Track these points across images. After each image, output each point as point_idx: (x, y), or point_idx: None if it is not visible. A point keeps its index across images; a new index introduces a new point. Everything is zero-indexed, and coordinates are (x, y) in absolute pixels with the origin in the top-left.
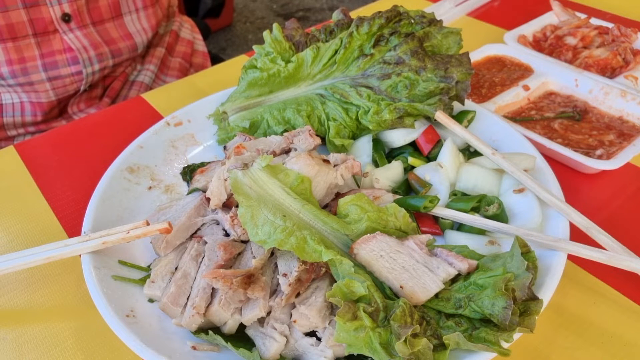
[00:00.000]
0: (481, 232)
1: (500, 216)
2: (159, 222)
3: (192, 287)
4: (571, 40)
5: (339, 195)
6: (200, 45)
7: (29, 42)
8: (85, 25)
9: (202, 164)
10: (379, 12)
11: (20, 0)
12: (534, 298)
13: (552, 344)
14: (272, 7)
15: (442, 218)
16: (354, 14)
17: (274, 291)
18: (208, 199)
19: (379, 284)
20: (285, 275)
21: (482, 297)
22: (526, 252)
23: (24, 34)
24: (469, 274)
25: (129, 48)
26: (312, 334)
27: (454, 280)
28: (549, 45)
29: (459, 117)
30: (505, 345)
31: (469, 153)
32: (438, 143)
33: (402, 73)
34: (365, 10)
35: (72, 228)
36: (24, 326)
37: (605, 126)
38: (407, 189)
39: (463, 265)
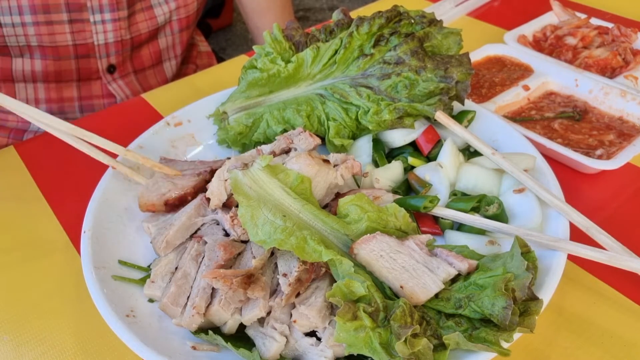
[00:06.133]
0: (481, 232)
1: (500, 216)
2: None
3: (192, 287)
4: (571, 40)
5: (339, 195)
6: (203, 46)
7: (71, 84)
8: (128, 73)
9: None
10: (379, 12)
11: (73, 52)
12: (534, 298)
13: (552, 344)
14: None
15: (442, 218)
16: (354, 14)
17: (274, 291)
18: (208, 199)
19: (379, 284)
20: (285, 275)
21: (482, 297)
22: (526, 252)
23: (69, 79)
24: (469, 274)
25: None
26: (312, 334)
27: (454, 280)
28: (549, 45)
29: (459, 117)
30: (505, 345)
31: (469, 153)
32: (438, 143)
33: (402, 73)
34: (365, 10)
35: (72, 228)
36: (23, 326)
37: (605, 126)
38: (407, 189)
39: (463, 265)
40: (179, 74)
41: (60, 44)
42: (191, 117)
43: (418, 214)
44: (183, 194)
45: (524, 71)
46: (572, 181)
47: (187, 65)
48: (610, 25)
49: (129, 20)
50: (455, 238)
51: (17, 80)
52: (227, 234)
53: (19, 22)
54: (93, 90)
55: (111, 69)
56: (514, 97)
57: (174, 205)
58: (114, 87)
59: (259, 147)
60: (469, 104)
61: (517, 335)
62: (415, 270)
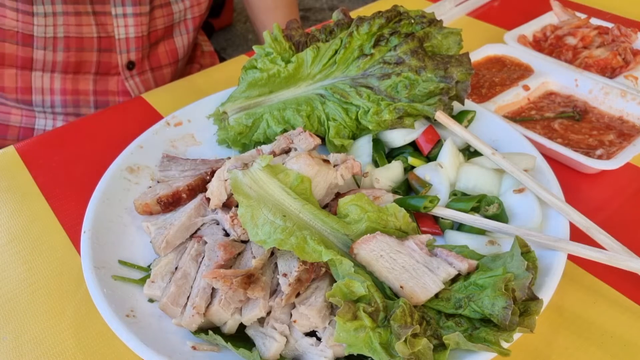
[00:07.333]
0: (481, 232)
1: (500, 216)
2: None
3: (192, 287)
4: (571, 40)
5: (339, 195)
6: (206, 46)
7: (88, 77)
8: (144, 71)
9: None
10: (379, 12)
11: (97, 45)
12: (534, 298)
13: (552, 344)
14: None
15: (442, 218)
16: (354, 14)
17: (274, 291)
18: (208, 199)
19: (379, 284)
20: (285, 275)
21: (482, 297)
22: (526, 252)
23: (87, 71)
24: (469, 274)
25: None
26: (312, 334)
27: (454, 280)
28: (549, 45)
29: (459, 117)
30: (505, 345)
31: (469, 153)
32: (438, 143)
33: (402, 73)
34: (365, 10)
35: (72, 228)
36: (24, 326)
37: (605, 126)
38: (407, 189)
39: (463, 265)
40: (183, 74)
41: (86, 35)
42: (191, 117)
43: (418, 214)
44: (176, 190)
45: (524, 71)
46: (572, 181)
47: (191, 65)
48: (610, 25)
49: (149, 15)
50: (455, 238)
51: (36, 69)
52: (227, 234)
53: (50, 11)
54: (109, 86)
55: (130, 66)
56: (514, 97)
57: (168, 203)
58: (131, 83)
59: (259, 147)
60: (469, 104)
61: (517, 335)
62: (415, 270)
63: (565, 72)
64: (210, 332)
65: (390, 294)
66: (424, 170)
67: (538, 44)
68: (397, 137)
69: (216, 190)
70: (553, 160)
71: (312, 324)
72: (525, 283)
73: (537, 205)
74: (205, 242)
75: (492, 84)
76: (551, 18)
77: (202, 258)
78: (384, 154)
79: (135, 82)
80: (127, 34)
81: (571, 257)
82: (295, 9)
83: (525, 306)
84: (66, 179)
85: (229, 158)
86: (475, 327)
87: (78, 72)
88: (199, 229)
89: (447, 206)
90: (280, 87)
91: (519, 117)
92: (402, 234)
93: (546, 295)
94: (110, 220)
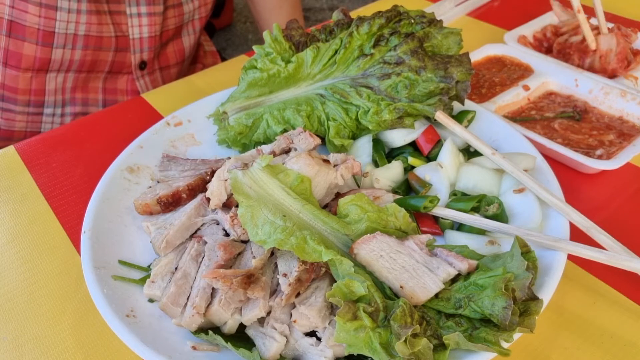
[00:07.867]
0: (481, 232)
1: (500, 216)
2: None
3: (192, 287)
4: (575, 38)
5: (339, 195)
6: (208, 46)
7: (99, 75)
8: (154, 70)
9: None
10: (379, 12)
11: (114, 44)
12: (534, 298)
13: (552, 344)
14: None
15: (442, 218)
16: (354, 14)
17: (274, 291)
18: (208, 199)
19: (379, 284)
20: (285, 275)
21: (482, 297)
22: (526, 252)
23: (101, 69)
24: (469, 274)
25: None
26: (312, 334)
27: (454, 280)
28: (556, 53)
29: (459, 117)
30: (505, 345)
31: (469, 153)
32: (438, 143)
33: (402, 73)
34: (365, 10)
35: (72, 228)
36: (24, 326)
37: (605, 126)
38: (407, 189)
39: (463, 265)
40: (187, 73)
41: (105, 35)
42: (191, 117)
43: (418, 214)
44: (176, 190)
45: (524, 71)
46: (572, 181)
47: (195, 65)
48: (610, 25)
49: (162, 15)
50: (455, 238)
51: (52, 69)
52: (227, 234)
53: (75, 8)
54: (118, 84)
55: (142, 66)
56: (514, 97)
57: (168, 203)
58: (141, 83)
59: (259, 147)
60: (469, 104)
61: (517, 335)
62: (415, 270)
63: (565, 72)
64: (210, 332)
65: (390, 294)
66: (424, 170)
67: (538, 44)
68: (397, 137)
69: (216, 190)
70: (553, 160)
71: (312, 324)
72: (525, 283)
73: (537, 205)
74: (205, 242)
75: (492, 84)
76: (551, 18)
77: (202, 258)
78: (384, 154)
79: (145, 81)
80: (141, 33)
81: (571, 257)
82: (299, 8)
83: (525, 306)
84: (66, 179)
85: (229, 158)
86: (475, 327)
87: (91, 71)
88: (199, 229)
89: (447, 206)
90: (280, 87)
91: (519, 117)
92: (402, 234)
93: (546, 295)
94: (110, 220)
